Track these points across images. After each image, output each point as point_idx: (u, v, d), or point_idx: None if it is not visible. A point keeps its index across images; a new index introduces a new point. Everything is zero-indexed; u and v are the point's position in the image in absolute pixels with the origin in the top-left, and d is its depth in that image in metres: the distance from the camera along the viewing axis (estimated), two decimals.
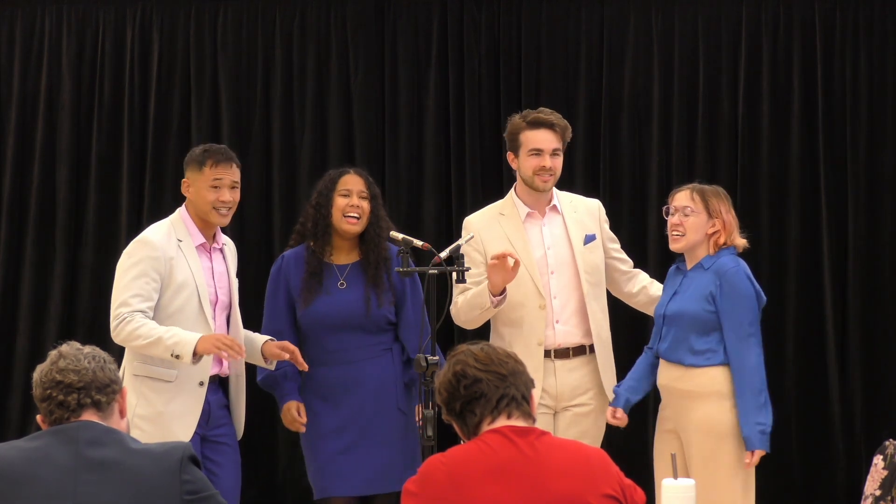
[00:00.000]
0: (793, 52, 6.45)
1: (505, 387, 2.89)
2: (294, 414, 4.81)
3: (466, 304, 4.73)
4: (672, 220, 4.64)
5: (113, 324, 4.45)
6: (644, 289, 4.97)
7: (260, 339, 4.77)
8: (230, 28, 6.62)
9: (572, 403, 4.76)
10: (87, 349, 2.85)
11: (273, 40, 6.62)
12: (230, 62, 6.60)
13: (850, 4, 6.44)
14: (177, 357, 4.32)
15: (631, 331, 6.09)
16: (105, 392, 2.81)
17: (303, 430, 4.82)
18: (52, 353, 2.84)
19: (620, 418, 4.73)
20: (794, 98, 6.43)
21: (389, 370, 4.85)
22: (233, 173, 4.64)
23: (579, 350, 4.80)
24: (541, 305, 4.75)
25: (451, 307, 4.79)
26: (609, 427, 4.83)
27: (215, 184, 4.59)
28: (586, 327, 4.80)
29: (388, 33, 6.61)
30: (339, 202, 4.89)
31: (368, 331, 4.84)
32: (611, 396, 4.80)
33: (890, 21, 6.45)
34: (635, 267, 5.05)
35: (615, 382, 4.85)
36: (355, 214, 4.87)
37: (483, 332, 4.91)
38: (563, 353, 4.77)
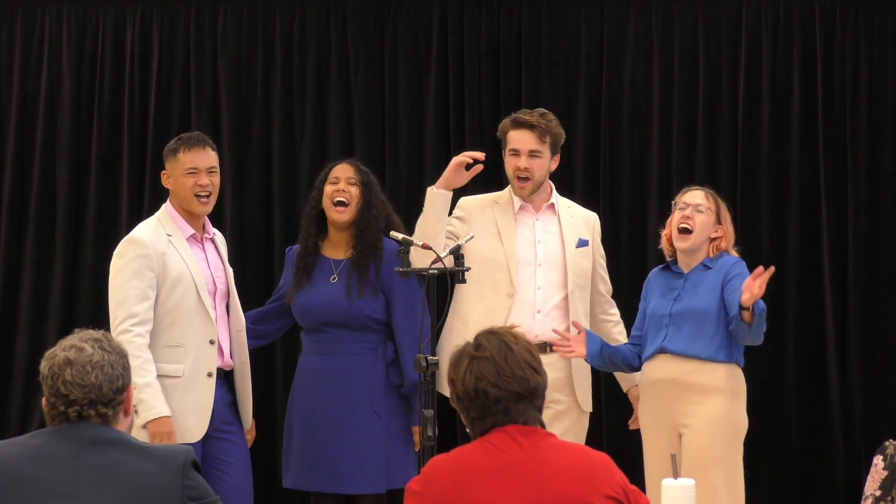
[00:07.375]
0: (793, 52, 6.45)
1: (524, 408, 2.87)
2: None
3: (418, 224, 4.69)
4: (684, 212, 4.65)
5: (114, 333, 4.36)
6: (609, 322, 4.97)
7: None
8: (230, 28, 6.61)
9: (550, 399, 4.76)
10: (98, 355, 2.78)
11: (273, 40, 6.61)
12: (230, 62, 6.59)
13: (850, 4, 6.44)
14: (135, 411, 4.23)
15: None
16: (111, 405, 2.78)
17: None
18: (61, 354, 2.78)
19: (577, 328, 4.72)
20: (794, 98, 6.42)
21: (369, 370, 4.83)
22: (207, 156, 4.63)
23: None
24: (508, 294, 4.77)
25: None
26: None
27: (191, 170, 4.59)
28: (567, 325, 4.81)
29: (388, 33, 6.60)
30: (328, 190, 4.91)
31: (353, 328, 4.83)
32: (582, 398, 4.83)
33: (890, 21, 6.44)
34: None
35: (589, 384, 4.87)
36: (342, 199, 4.86)
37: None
38: (541, 349, 4.76)
